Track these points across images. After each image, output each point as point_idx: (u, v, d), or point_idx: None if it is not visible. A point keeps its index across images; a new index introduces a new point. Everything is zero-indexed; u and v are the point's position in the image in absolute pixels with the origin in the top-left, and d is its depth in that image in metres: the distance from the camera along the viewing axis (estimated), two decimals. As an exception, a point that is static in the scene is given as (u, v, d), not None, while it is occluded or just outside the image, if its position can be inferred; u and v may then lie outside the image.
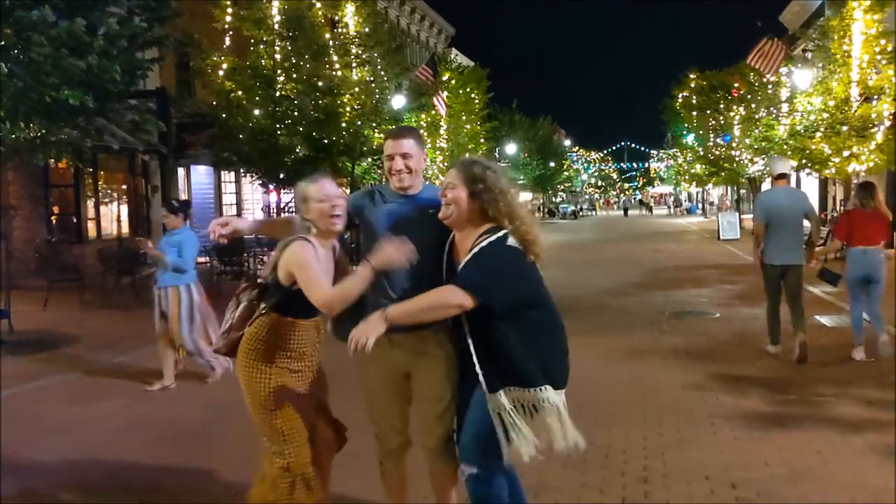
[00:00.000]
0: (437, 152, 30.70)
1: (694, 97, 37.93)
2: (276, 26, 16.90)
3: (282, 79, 16.96)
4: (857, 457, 4.97)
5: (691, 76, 38.06)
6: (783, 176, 8.45)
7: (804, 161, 20.59)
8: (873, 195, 7.90)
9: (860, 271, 7.77)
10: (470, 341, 3.15)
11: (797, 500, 4.31)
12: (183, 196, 22.41)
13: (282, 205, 18.91)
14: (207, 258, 15.42)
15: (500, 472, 3.23)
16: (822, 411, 6.07)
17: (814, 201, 29.72)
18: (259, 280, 3.58)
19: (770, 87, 26.48)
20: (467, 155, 33.75)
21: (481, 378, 3.10)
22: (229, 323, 3.51)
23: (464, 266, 3.13)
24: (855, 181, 20.27)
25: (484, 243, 3.12)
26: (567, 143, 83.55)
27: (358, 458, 4.75)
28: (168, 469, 5.06)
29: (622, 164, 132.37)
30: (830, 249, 9.99)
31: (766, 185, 30.54)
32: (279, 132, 16.87)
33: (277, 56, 16.98)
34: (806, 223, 8.15)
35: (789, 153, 20.73)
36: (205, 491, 4.67)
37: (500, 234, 3.14)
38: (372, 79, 19.75)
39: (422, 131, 28.67)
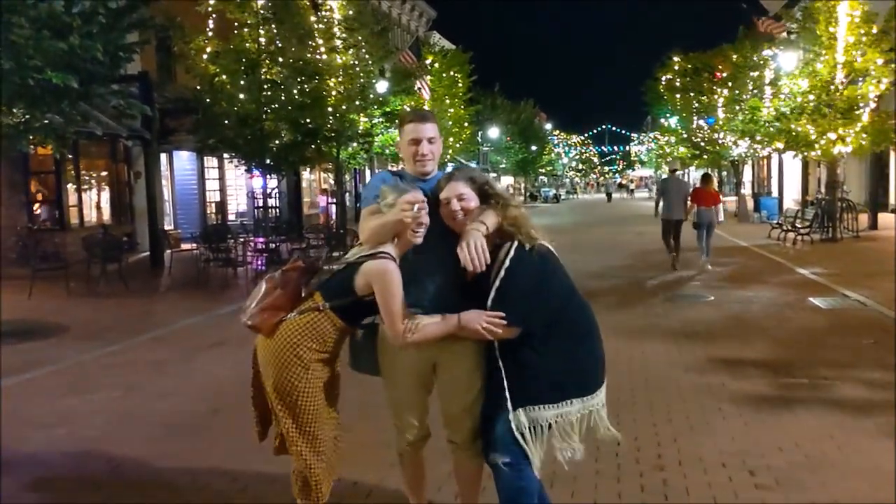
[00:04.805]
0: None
1: (678, 80, 37.79)
2: (261, 9, 16.62)
3: (267, 63, 16.69)
4: (872, 441, 4.93)
5: (675, 59, 37.89)
6: (674, 170, 19.38)
7: (790, 143, 20.59)
8: (711, 181, 15.84)
9: (705, 221, 14.14)
10: (498, 354, 3.16)
11: (818, 487, 4.25)
12: (165, 182, 22.12)
13: (267, 191, 18.65)
14: (195, 245, 15.23)
15: (530, 464, 3.15)
16: (828, 394, 6.05)
17: (796, 183, 30.00)
18: (317, 265, 3.42)
19: (754, 69, 26.49)
20: (453, 149, 33.62)
21: (507, 394, 3.12)
22: (271, 297, 3.23)
23: (497, 293, 3.08)
24: (839, 163, 20.36)
25: (512, 254, 3.11)
26: (548, 126, 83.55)
27: (367, 448, 4.68)
28: (170, 463, 4.91)
29: (603, 148, 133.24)
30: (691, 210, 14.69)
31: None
32: (264, 117, 16.62)
33: (262, 40, 16.69)
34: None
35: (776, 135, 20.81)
36: (211, 486, 4.53)
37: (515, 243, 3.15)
38: (356, 62, 19.53)
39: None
